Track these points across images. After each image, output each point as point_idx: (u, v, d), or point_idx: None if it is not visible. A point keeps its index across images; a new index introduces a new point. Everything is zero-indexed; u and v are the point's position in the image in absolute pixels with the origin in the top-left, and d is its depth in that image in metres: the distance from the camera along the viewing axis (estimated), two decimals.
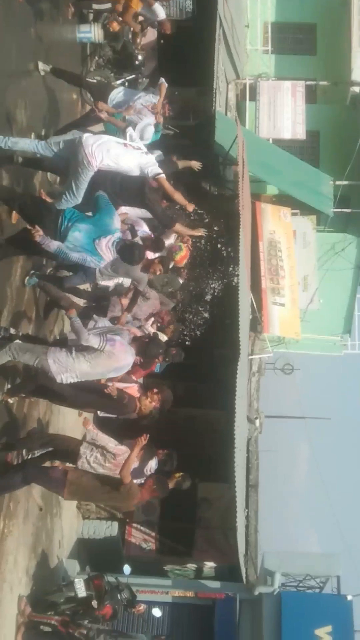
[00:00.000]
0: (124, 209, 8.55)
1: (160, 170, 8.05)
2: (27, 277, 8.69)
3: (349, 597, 11.65)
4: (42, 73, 9.20)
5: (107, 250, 7.36)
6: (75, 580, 9.58)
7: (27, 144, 7.77)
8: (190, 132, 16.17)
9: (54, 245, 6.95)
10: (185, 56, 11.94)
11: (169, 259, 9.49)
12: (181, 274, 10.58)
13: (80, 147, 7.56)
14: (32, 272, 8.77)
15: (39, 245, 6.95)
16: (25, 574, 9.09)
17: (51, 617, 8.97)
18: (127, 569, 10.69)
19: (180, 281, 10.59)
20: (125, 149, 7.87)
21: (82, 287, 9.78)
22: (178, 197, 8.47)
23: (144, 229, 9.21)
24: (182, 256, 9.96)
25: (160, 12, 11.09)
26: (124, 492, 7.57)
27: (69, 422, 11.14)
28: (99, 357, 7.36)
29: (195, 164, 10.08)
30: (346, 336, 18.15)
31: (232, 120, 17.21)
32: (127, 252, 7.54)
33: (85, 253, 7.23)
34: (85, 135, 7.69)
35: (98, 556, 12.57)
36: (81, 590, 9.27)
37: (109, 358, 7.40)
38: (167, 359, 9.56)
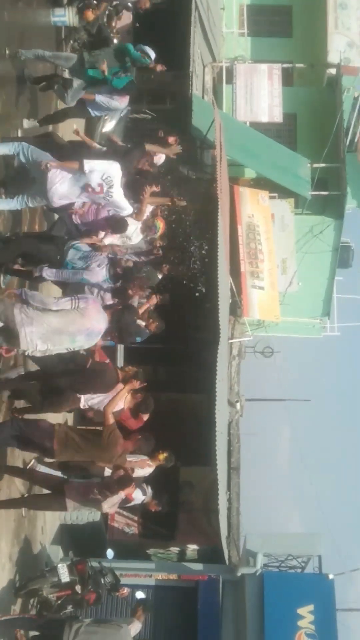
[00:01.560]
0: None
1: (129, 211, 8.38)
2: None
3: (331, 576, 11.77)
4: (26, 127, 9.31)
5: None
6: (59, 565, 9.61)
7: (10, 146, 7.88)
8: (167, 116, 16.09)
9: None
10: (161, 39, 11.88)
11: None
12: (161, 270, 10.64)
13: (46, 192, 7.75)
14: None
15: None
16: (9, 560, 9.09)
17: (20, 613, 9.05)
18: (110, 553, 10.74)
19: (160, 276, 10.63)
20: (89, 195, 7.95)
21: None
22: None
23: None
24: (162, 231, 10.12)
25: None
26: (106, 436, 7.57)
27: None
28: (71, 314, 7.01)
29: (173, 150, 10.09)
30: (325, 319, 18.27)
31: (209, 103, 17.16)
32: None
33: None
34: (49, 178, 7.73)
35: (81, 541, 12.59)
36: (65, 576, 9.31)
37: (82, 316, 7.06)
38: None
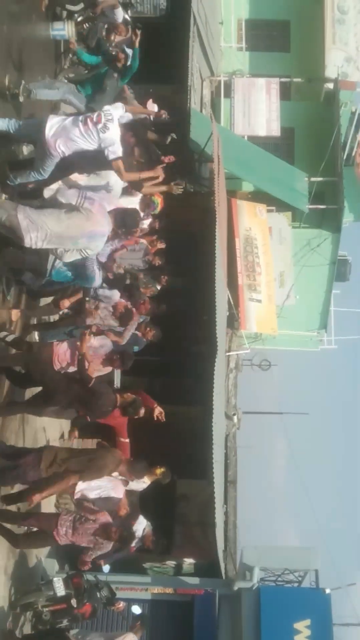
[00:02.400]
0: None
1: (118, 154, 8.02)
2: None
3: (327, 591, 11.73)
4: None
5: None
6: (54, 579, 9.58)
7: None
8: (165, 130, 16.14)
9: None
10: (160, 54, 11.94)
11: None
12: (160, 281, 10.75)
13: (42, 134, 7.63)
14: None
15: None
16: (4, 574, 9.05)
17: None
18: (106, 567, 10.68)
19: (159, 287, 10.72)
20: (84, 130, 7.83)
21: None
22: (133, 176, 8.54)
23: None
24: (160, 207, 10.40)
25: (119, 16, 11.15)
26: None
27: (46, 420, 11.12)
28: (75, 216, 7.06)
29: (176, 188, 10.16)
30: (322, 332, 18.30)
31: (207, 117, 17.23)
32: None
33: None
34: (47, 122, 7.68)
35: (77, 555, 12.53)
36: (60, 589, 9.27)
37: (86, 219, 7.08)
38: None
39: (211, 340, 12.26)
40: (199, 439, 12.70)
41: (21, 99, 8.53)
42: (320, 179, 17.39)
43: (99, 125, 7.82)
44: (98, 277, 8.21)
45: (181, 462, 13.93)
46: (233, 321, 15.34)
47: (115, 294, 9.23)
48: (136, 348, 9.79)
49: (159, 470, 9.64)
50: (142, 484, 9.74)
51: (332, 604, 11.71)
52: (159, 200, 10.25)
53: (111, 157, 7.86)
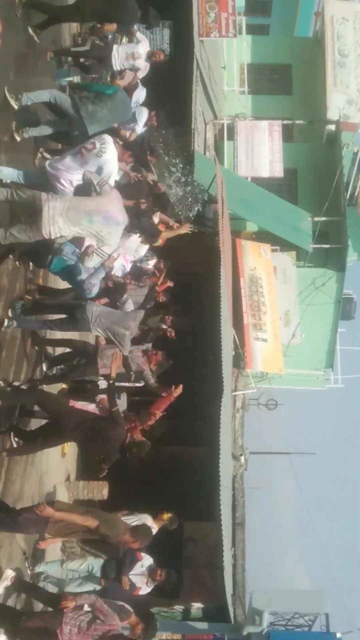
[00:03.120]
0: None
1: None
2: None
3: (339, 635, 11.50)
4: None
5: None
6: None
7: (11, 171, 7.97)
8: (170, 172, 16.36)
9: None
10: (164, 98, 12.16)
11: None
12: (165, 322, 10.93)
13: (45, 176, 7.83)
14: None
15: None
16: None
17: None
18: None
19: (164, 327, 10.93)
20: (82, 159, 7.97)
21: None
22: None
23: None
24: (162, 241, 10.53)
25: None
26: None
27: (52, 463, 11.06)
28: (93, 194, 7.27)
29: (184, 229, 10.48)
30: (329, 370, 18.23)
31: (210, 159, 17.45)
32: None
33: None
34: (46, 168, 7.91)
35: None
36: None
37: (102, 197, 7.27)
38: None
39: (217, 380, 12.24)
40: (206, 480, 12.60)
41: (15, 106, 8.55)
42: (323, 218, 17.53)
43: (94, 151, 7.98)
44: (95, 290, 8.34)
45: (188, 504, 13.79)
46: (239, 360, 15.33)
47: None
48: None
49: (166, 516, 9.62)
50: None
51: None
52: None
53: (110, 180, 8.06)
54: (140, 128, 10.83)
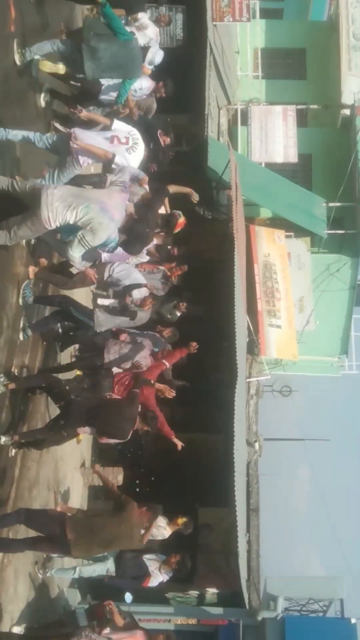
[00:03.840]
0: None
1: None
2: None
3: (353, 620, 11.52)
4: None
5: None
6: (77, 609, 9.48)
7: (26, 135, 7.96)
8: (184, 158, 16.31)
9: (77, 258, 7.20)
10: (177, 83, 12.10)
11: (171, 227, 10.28)
12: (180, 308, 10.91)
13: (68, 145, 7.82)
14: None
15: None
16: (26, 604, 8.99)
17: None
18: (128, 597, 10.57)
19: (178, 314, 10.88)
20: (110, 145, 8.01)
21: None
22: None
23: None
24: (182, 222, 10.54)
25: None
26: (121, 505, 7.66)
27: (67, 449, 11.11)
28: (97, 188, 7.49)
29: (194, 196, 10.27)
30: (343, 357, 18.17)
31: (224, 145, 17.36)
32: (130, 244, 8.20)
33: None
34: (75, 132, 7.88)
35: (99, 585, 12.44)
36: (83, 620, 9.16)
37: (106, 193, 7.33)
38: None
39: (231, 367, 12.23)
40: (221, 466, 12.62)
41: (18, 61, 8.40)
42: (338, 204, 17.40)
43: (126, 146, 7.98)
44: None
45: (203, 490, 13.83)
46: (253, 347, 15.29)
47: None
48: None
49: (181, 520, 9.70)
50: (163, 531, 9.76)
51: (358, 633, 11.49)
52: (182, 218, 10.39)
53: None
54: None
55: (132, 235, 8.40)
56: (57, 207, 6.79)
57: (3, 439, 8.01)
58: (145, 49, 9.64)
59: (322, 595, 12.18)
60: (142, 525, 8.18)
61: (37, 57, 8.62)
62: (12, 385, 8.05)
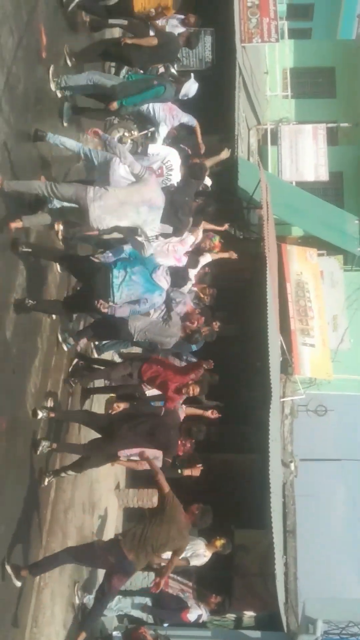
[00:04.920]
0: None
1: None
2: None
3: None
4: None
5: (163, 279, 7.81)
6: (114, 633, 9.44)
7: (73, 145, 8.21)
8: (214, 178, 16.36)
9: (125, 311, 7.43)
10: (207, 105, 12.18)
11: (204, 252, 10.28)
12: (212, 327, 10.92)
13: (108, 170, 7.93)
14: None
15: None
16: (63, 627, 8.96)
17: None
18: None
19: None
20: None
21: None
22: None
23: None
24: (217, 244, 10.69)
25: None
26: (168, 505, 7.59)
27: (102, 471, 11.11)
28: (135, 184, 7.40)
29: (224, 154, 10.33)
30: None
31: (254, 165, 17.40)
32: (178, 277, 8.34)
33: (147, 294, 7.55)
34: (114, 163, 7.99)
35: None
36: None
37: (144, 185, 7.35)
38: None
39: (265, 386, 12.16)
40: (257, 487, 12.50)
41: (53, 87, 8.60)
42: None
43: (161, 179, 8.04)
44: (165, 283, 8.10)
45: (239, 512, 13.70)
46: (287, 366, 15.19)
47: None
48: (194, 347, 9.89)
49: (219, 542, 9.62)
50: (202, 558, 9.71)
51: None
52: (216, 240, 10.40)
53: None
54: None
55: (173, 208, 8.47)
56: (107, 219, 7.07)
57: (44, 443, 8.04)
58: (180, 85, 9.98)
59: None
60: (189, 524, 8.16)
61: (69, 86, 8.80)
62: (53, 415, 8.16)
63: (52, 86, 8.58)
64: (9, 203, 6.89)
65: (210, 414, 10.25)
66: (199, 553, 9.92)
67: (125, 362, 9.74)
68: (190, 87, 10.39)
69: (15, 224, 6.96)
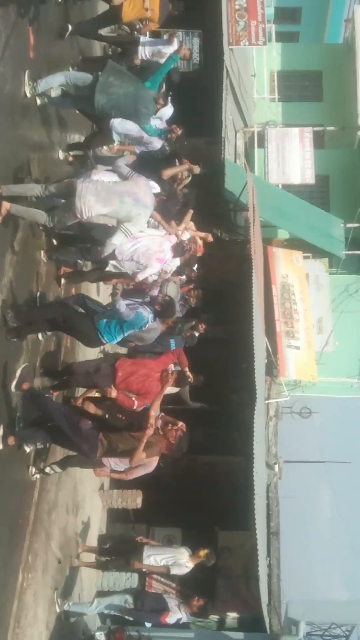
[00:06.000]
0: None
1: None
2: None
3: None
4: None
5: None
6: (96, 634, 9.43)
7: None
8: (201, 181, 16.39)
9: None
10: (194, 107, 12.19)
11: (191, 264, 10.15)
12: (198, 330, 10.89)
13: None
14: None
15: None
16: (45, 628, 8.95)
17: None
18: None
19: (196, 335, 10.83)
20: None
21: None
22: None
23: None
24: (200, 247, 10.33)
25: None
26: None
27: (86, 472, 11.09)
28: (123, 180, 7.72)
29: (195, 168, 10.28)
30: None
31: (241, 167, 17.44)
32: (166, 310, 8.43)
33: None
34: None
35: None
36: None
37: (133, 183, 7.66)
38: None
39: (250, 389, 12.19)
40: (241, 489, 12.54)
41: (28, 93, 8.13)
42: (356, 224, 17.40)
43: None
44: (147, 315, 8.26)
45: (223, 513, 13.74)
46: (272, 369, 15.23)
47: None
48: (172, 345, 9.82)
49: (203, 553, 9.59)
50: (184, 568, 9.68)
51: None
52: (200, 242, 10.27)
53: None
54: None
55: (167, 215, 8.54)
56: (90, 200, 7.17)
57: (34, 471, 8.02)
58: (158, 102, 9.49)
59: (344, 620, 12.02)
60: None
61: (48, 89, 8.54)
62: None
63: (27, 90, 8.10)
64: None
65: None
66: (181, 563, 9.86)
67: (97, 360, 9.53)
68: (165, 112, 10.36)
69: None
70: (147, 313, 8.23)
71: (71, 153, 9.96)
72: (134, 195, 7.49)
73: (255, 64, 20.41)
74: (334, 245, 17.18)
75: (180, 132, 10.22)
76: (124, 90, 8.37)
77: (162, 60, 10.49)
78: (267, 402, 14.89)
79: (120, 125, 9.75)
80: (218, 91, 16.36)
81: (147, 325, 8.41)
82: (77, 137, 10.61)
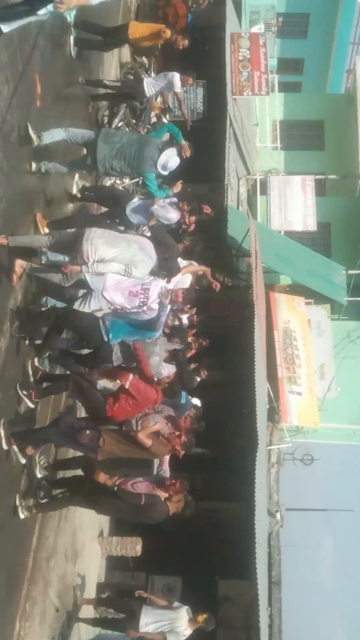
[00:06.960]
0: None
1: None
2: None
3: None
4: None
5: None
6: None
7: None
8: (204, 227, 16.54)
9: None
10: (197, 155, 12.37)
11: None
12: (200, 374, 10.80)
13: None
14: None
15: None
16: None
17: None
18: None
19: (198, 379, 10.71)
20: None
21: None
22: None
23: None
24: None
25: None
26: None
27: (85, 518, 10.98)
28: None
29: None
30: None
31: (243, 213, 17.61)
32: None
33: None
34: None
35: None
36: None
37: (140, 237, 8.06)
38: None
39: (252, 434, 12.11)
40: (242, 537, 12.38)
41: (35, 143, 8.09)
42: (357, 271, 17.49)
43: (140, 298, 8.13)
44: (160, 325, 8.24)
45: (223, 562, 13.54)
46: (273, 414, 15.16)
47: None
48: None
49: (202, 617, 9.32)
50: (181, 636, 9.39)
51: None
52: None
53: None
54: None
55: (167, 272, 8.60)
56: (97, 242, 7.35)
57: (22, 509, 7.91)
58: (162, 151, 8.96)
59: None
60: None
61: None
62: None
63: (33, 139, 8.06)
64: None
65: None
66: (178, 631, 9.33)
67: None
68: (170, 158, 9.07)
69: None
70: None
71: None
72: (140, 244, 7.75)
73: (258, 113, 20.76)
74: (336, 291, 17.26)
75: (193, 216, 10.52)
76: (128, 138, 8.69)
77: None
78: (268, 448, 14.79)
79: (131, 210, 9.88)
80: (221, 139, 16.63)
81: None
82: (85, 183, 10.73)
